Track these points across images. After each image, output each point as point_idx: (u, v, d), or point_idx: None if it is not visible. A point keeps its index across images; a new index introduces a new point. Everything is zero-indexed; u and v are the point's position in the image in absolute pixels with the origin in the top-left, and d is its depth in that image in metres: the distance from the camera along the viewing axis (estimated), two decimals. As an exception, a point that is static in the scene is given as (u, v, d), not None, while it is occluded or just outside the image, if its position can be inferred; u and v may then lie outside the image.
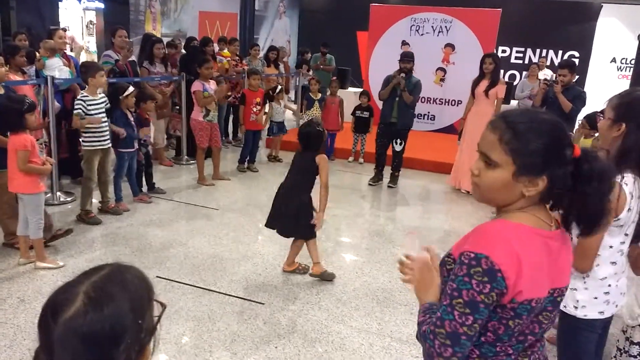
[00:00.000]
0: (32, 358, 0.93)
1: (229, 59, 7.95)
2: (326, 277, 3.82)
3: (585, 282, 2.02)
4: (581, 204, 1.21)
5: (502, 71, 11.91)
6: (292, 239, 3.85)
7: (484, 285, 1.15)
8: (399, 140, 6.32)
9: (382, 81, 6.32)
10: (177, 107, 6.97)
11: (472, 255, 1.17)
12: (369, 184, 6.51)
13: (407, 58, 6.16)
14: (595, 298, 2.02)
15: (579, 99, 5.38)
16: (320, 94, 7.69)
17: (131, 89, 4.94)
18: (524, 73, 10.30)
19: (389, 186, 6.44)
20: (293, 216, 3.69)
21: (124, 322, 0.89)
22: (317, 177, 3.71)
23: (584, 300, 2.02)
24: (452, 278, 1.21)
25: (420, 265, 1.39)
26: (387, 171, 6.54)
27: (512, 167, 1.21)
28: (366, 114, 7.39)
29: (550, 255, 1.23)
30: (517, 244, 1.18)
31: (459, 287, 1.17)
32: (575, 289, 2.03)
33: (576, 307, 2.03)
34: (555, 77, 5.86)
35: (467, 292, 1.16)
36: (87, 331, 0.86)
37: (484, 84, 5.93)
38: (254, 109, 6.58)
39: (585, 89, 6.73)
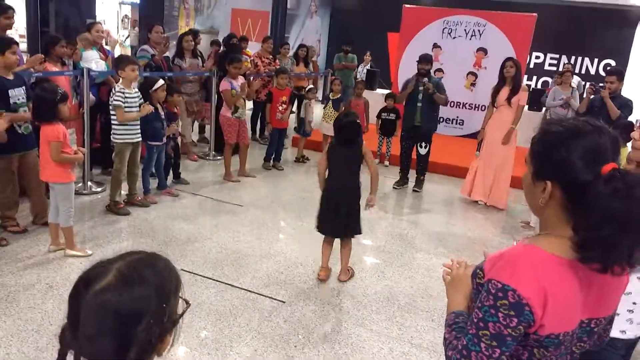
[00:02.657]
0: (59, 334, 0.96)
1: (252, 58, 7.99)
2: (351, 277, 3.86)
3: None
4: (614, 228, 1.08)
5: (534, 78, 11.73)
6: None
7: (510, 319, 1.11)
8: (423, 144, 6.26)
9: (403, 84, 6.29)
10: (210, 99, 7.05)
11: (499, 285, 1.13)
12: (394, 187, 6.47)
13: (425, 60, 6.09)
14: (617, 314, 1.96)
15: (627, 107, 5.24)
16: (340, 94, 7.65)
17: (160, 82, 5.00)
18: (550, 80, 10.07)
19: (414, 190, 6.39)
20: (346, 214, 3.66)
21: (149, 303, 0.93)
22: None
23: None
24: (479, 306, 1.17)
25: (464, 266, 1.41)
26: (412, 175, 6.49)
27: (532, 167, 1.23)
28: (392, 116, 7.34)
29: (583, 286, 1.17)
30: (545, 278, 1.12)
31: (485, 318, 1.14)
32: None
33: None
34: (593, 84, 5.74)
35: (493, 324, 1.13)
36: (115, 304, 0.90)
37: (505, 91, 5.70)
38: (280, 108, 6.61)
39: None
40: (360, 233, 3.78)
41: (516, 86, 5.68)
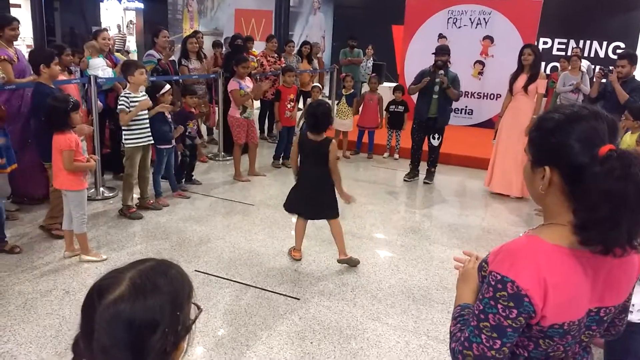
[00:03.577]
0: (72, 344, 0.96)
1: (258, 57, 7.99)
2: (352, 263, 3.93)
3: (639, 285, 1.94)
4: (612, 208, 1.07)
5: (542, 64, 11.59)
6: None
7: (510, 310, 1.11)
8: (436, 135, 6.21)
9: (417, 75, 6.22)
10: (215, 99, 7.07)
11: (499, 277, 1.13)
12: (404, 180, 6.44)
13: (442, 51, 6.02)
14: None
15: (637, 92, 5.10)
16: (352, 90, 7.63)
17: (167, 87, 5.03)
18: (559, 65, 9.93)
19: (425, 182, 6.36)
20: (317, 199, 3.85)
21: (163, 312, 0.92)
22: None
23: (638, 303, 1.95)
24: (480, 298, 1.17)
25: (474, 260, 1.41)
26: (422, 167, 6.45)
27: (530, 155, 1.24)
28: (400, 109, 7.30)
29: (588, 275, 1.16)
30: (546, 269, 1.12)
31: (486, 309, 1.14)
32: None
33: (631, 312, 1.96)
34: (602, 68, 5.63)
35: (493, 316, 1.13)
36: (129, 315, 0.89)
37: (523, 78, 5.59)
38: (288, 105, 6.61)
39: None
40: (335, 217, 3.89)
41: (534, 74, 5.55)
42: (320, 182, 3.82)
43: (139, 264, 0.98)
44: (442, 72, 5.93)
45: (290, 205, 4.01)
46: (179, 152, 5.52)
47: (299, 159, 3.93)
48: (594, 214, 1.08)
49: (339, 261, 3.94)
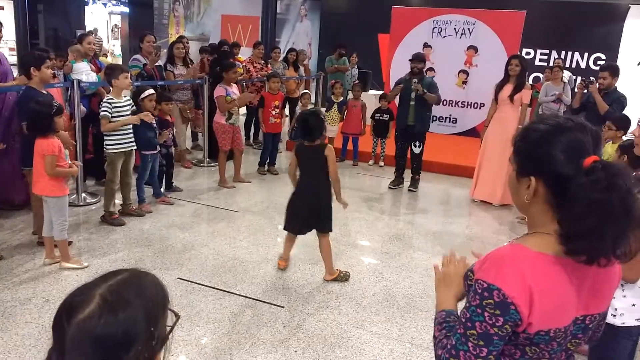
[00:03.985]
0: (45, 358, 0.93)
1: (244, 64, 7.98)
2: (342, 278, 3.84)
3: (623, 290, 1.98)
4: (598, 220, 1.08)
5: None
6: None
7: (496, 318, 1.12)
8: (417, 143, 6.26)
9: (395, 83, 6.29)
10: (201, 105, 7.04)
11: (485, 285, 1.14)
12: (389, 187, 6.47)
13: (417, 59, 6.10)
14: (634, 305, 1.98)
15: (618, 103, 5.20)
16: (342, 97, 7.67)
17: (148, 91, 4.98)
18: (541, 76, 10.10)
19: (409, 190, 6.39)
20: (313, 212, 3.73)
21: (136, 328, 0.89)
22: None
23: (622, 307, 1.98)
24: (467, 306, 1.18)
25: (457, 262, 1.42)
26: (407, 174, 6.49)
27: (515, 165, 1.25)
28: (386, 117, 7.35)
29: (574, 283, 1.17)
30: (531, 277, 1.13)
31: (472, 317, 1.15)
32: (614, 297, 1.98)
33: (614, 315, 1.99)
34: (584, 79, 5.73)
35: (480, 324, 1.14)
36: (100, 334, 0.86)
37: (509, 88, 5.67)
38: (273, 112, 6.60)
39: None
40: (328, 231, 3.79)
41: (520, 84, 5.64)
42: (320, 190, 3.71)
43: (110, 277, 0.95)
44: (415, 80, 5.99)
45: (291, 225, 3.84)
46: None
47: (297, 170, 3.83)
48: (579, 224, 1.09)
49: (325, 280, 3.81)
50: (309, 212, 3.74)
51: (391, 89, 6.32)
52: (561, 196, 1.14)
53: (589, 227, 1.08)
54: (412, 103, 6.07)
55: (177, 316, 1.00)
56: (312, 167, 3.73)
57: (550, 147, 1.15)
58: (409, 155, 6.39)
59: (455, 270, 1.40)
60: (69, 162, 3.86)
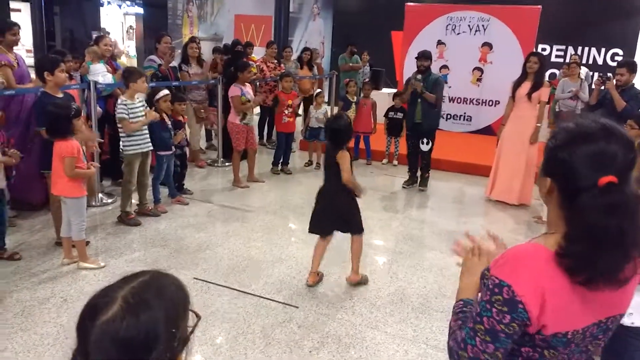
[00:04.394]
0: (70, 359, 0.95)
1: (257, 63, 8.00)
2: (363, 282, 3.82)
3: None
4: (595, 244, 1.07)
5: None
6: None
7: (503, 315, 1.12)
8: (425, 140, 6.20)
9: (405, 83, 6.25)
10: (216, 104, 7.06)
11: (497, 281, 1.14)
12: (403, 187, 6.44)
13: (424, 56, 6.05)
14: None
15: (635, 100, 5.10)
16: (356, 97, 7.65)
17: (164, 92, 5.02)
18: (558, 72, 9.96)
19: (419, 189, 6.34)
20: (336, 213, 3.67)
21: (158, 330, 0.91)
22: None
23: (632, 307, 1.95)
24: (478, 300, 1.19)
25: (477, 247, 1.42)
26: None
27: (542, 161, 1.24)
28: (399, 115, 7.31)
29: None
30: (546, 277, 1.12)
31: (482, 312, 1.15)
32: None
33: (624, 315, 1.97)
34: (601, 75, 5.65)
35: (487, 319, 1.14)
36: (122, 336, 0.88)
37: (527, 86, 5.58)
38: (286, 112, 6.61)
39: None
40: (359, 232, 3.73)
41: (538, 82, 5.55)
42: (335, 196, 3.65)
43: (131, 279, 0.97)
44: (418, 76, 5.95)
45: (313, 225, 3.77)
46: None
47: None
48: (573, 246, 1.09)
49: (349, 282, 3.78)
50: (331, 216, 3.69)
51: (403, 85, 6.28)
52: (568, 209, 1.13)
53: (579, 250, 1.08)
54: (419, 100, 6.05)
55: (198, 317, 1.02)
56: (328, 171, 3.71)
57: (571, 155, 1.11)
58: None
59: (480, 260, 1.39)
60: (87, 163, 3.91)
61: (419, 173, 6.44)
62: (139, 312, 0.90)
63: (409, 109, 6.28)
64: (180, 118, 5.51)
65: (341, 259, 4.00)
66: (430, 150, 6.26)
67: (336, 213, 3.67)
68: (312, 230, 3.78)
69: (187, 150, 5.82)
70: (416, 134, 6.22)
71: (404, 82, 6.24)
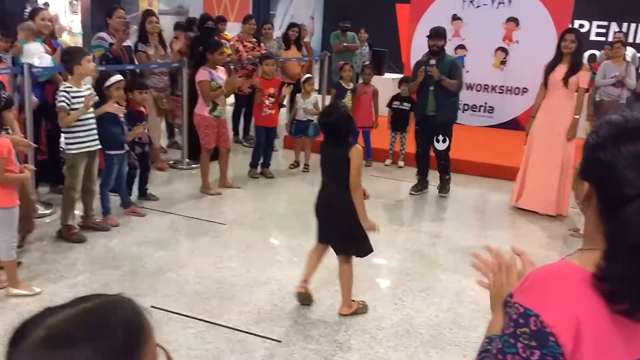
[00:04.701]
0: None
1: (232, 43, 8.02)
2: (360, 312, 3.81)
3: None
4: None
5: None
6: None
7: (531, 351, 1.10)
8: (440, 137, 6.24)
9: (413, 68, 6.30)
10: (180, 93, 7.07)
11: (521, 310, 1.13)
12: (411, 193, 6.48)
13: (437, 34, 6.09)
14: None
15: None
16: (352, 83, 7.67)
17: (115, 78, 5.02)
18: (599, 53, 10.07)
19: (440, 195, 6.37)
20: (334, 229, 3.68)
21: None
22: None
23: None
24: (500, 335, 1.18)
25: (504, 264, 1.43)
26: (432, 177, 6.49)
27: (581, 160, 1.24)
28: (406, 106, 7.35)
29: None
30: (580, 303, 1.11)
31: (504, 349, 1.14)
32: None
33: None
34: None
35: (512, 357, 1.12)
36: None
37: (562, 69, 5.60)
38: (267, 102, 6.61)
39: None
40: (349, 254, 3.69)
41: (576, 64, 5.57)
42: (336, 204, 3.64)
43: (78, 303, 0.97)
44: (432, 61, 5.99)
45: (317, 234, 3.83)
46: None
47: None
48: (616, 265, 1.08)
49: (340, 314, 3.76)
50: (327, 226, 3.72)
51: (412, 71, 6.31)
52: (610, 218, 1.12)
53: (625, 272, 1.07)
54: (432, 88, 6.07)
55: (169, 356, 1.00)
56: (330, 171, 3.70)
57: (614, 154, 1.11)
58: (432, 153, 6.38)
59: (508, 281, 1.39)
60: (19, 165, 3.88)
61: (429, 176, 6.46)
62: (56, 346, 0.89)
63: (419, 98, 6.30)
64: (142, 109, 5.51)
65: (334, 280, 4.00)
66: (448, 148, 6.30)
67: (333, 225, 3.67)
68: (323, 241, 3.82)
69: (148, 149, 5.83)
70: (428, 130, 6.25)
71: (412, 66, 6.27)
